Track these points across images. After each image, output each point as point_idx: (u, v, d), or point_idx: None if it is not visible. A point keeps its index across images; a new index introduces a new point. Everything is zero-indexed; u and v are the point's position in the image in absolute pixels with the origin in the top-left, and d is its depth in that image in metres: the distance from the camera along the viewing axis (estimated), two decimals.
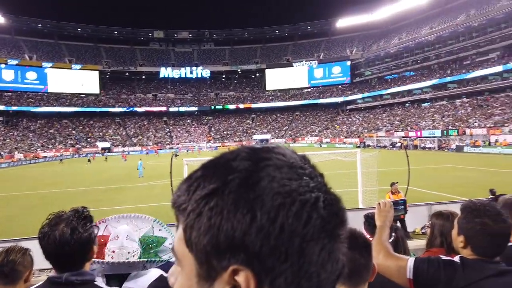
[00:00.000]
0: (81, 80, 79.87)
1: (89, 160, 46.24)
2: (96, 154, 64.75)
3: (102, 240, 1.98)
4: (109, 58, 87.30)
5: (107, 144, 69.86)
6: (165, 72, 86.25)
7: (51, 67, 77.01)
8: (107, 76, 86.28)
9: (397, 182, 10.28)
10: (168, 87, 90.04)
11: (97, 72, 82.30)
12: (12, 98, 71.79)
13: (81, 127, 75.83)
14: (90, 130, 75.58)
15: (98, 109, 78.77)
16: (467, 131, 45.01)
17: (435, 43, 65.44)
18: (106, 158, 51.93)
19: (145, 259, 1.92)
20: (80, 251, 1.43)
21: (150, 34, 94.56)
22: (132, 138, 75.53)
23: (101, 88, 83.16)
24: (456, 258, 1.54)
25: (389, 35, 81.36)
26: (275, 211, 0.40)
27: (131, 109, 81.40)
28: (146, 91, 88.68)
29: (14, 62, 72.66)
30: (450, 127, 48.63)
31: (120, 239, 1.92)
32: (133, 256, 1.91)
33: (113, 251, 1.88)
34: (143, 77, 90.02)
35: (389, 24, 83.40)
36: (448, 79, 59.90)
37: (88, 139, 72.04)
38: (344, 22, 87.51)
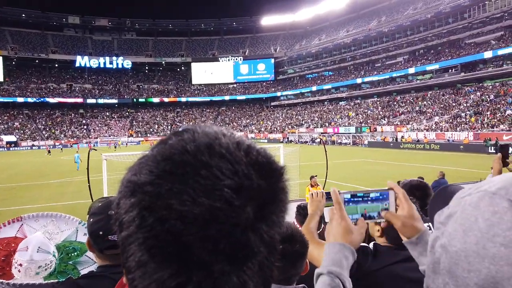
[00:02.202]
0: None
1: (49, 151, 45.45)
2: (1, 149, 58.36)
3: (13, 245, 1.73)
4: (15, 43, 78.75)
5: (12, 138, 63.15)
6: (82, 60, 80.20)
7: None
8: (13, 62, 77.85)
9: (316, 176, 10.91)
10: (85, 77, 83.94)
11: (0, 58, 73.77)
12: None
13: None
14: None
15: (2, 99, 70.80)
16: (378, 128, 49.16)
17: (351, 45, 70.09)
18: (61, 150, 50.93)
19: (55, 280, 1.65)
20: None
21: (64, 19, 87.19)
22: (43, 132, 69.31)
23: (6, 76, 74.75)
24: (371, 245, 1.69)
25: (311, 36, 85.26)
26: None
27: (41, 99, 74.45)
28: (59, 80, 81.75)
29: None
30: (363, 124, 52.64)
31: (30, 251, 1.65)
32: (45, 270, 1.68)
33: (20, 264, 1.63)
34: (56, 65, 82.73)
35: (311, 25, 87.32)
36: (362, 79, 64.73)
37: None
38: (268, 20, 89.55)
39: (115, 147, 50.84)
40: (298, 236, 1.46)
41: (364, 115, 56.87)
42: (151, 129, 76.58)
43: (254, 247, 0.40)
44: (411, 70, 56.62)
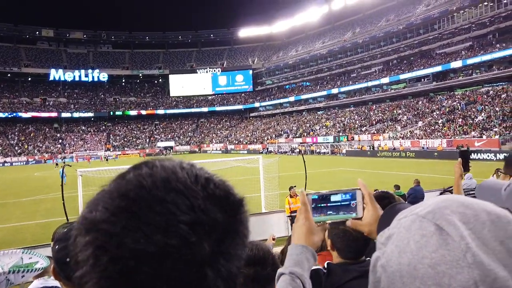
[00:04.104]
0: None
1: (56, 164, 44.74)
2: None
3: None
4: None
5: None
6: (56, 74, 78.49)
7: None
8: None
9: (295, 186, 10.94)
10: (59, 90, 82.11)
11: None
12: None
13: None
14: None
15: None
16: (355, 137, 49.96)
17: (327, 56, 71.42)
18: (64, 163, 49.01)
19: (8, 270, 1.74)
20: None
21: (37, 32, 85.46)
22: (16, 147, 67.13)
23: None
24: (325, 264, 1.63)
25: (288, 47, 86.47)
26: None
27: (14, 114, 72.21)
28: (33, 94, 79.65)
29: None
30: (341, 134, 53.43)
31: None
32: None
33: None
34: (29, 79, 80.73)
35: (287, 36, 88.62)
36: (338, 89, 65.91)
37: None
38: (245, 32, 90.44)
39: (107, 160, 52.38)
40: (269, 259, 1.43)
41: (341, 125, 57.76)
42: (129, 143, 75.39)
43: (211, 283, 0.39)
44: (386, 80, 58.08)
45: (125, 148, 72.18)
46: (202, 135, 79.60)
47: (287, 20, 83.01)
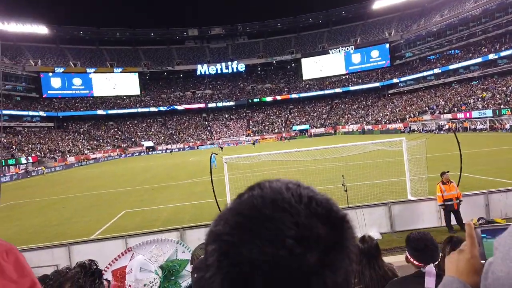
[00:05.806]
0: (123, 83, 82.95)
1: (221, 148, 54.84)
2: (142, 153, 67.22)
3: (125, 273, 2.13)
4: (147, 60, 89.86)
5: (150, 143, 72.26)
6: (202, 69, 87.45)
7: (95, 72, 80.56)
8: (147, 77, 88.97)
9: (448, 171, 9.59)
10: (205, 83, 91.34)
11: (137, 74, 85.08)
12: (61, 103, 75.95)
13: (125, 128, 78.86)
14: (134, 130, 78.42)
15: (140, 110, 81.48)
16: None
17: (481, 17, 61.29)
18: (221, 148, 56.11)
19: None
20: None
21: (185, 33, 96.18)
22: (174, 136, 77.52)
23: (142, 89, 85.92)
24: None
25: (430, 13, 77.36)
26: None
27: (171, 107, 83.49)
28: (184, 89, 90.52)
29: (61, 70, 76.69)
30: (502, 106, 45.50)
31: (134, 272, 2.05)
32: (151, 287, 2.04)
33: (130, 286, 2.02)
34: (181, 75, 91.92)
35: (430, 1, 79.18)
36: (497, 55, 56.02)
37: (133, 139, 74.80)
38: (380, 3, 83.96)
39: (254, 144, 60.84)
40: None
41: (503, 96, 49.15)
42: (266, 128, 79.15)
43: None
44: None
45: (264, 133, 76.03)
46: (337, 116, 78.11)
47: None
